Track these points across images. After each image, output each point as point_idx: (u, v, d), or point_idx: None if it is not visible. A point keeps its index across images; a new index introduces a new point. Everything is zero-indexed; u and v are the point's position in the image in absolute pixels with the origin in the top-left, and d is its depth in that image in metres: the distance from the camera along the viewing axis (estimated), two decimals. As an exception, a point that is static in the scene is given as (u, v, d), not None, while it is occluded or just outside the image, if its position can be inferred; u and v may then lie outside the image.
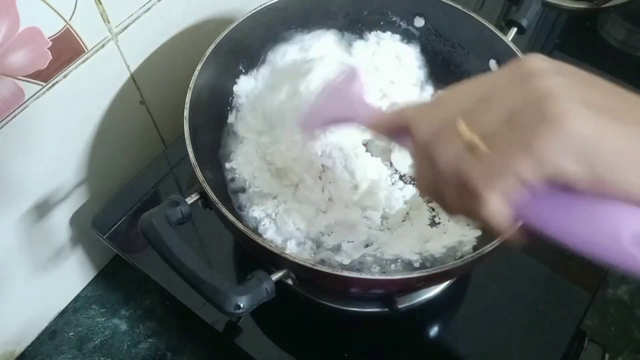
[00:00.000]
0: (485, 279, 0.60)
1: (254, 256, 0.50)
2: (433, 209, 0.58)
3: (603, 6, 0.84)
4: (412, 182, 0.61)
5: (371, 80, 0.64)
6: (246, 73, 0.64)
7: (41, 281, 0.64)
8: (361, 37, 0.68)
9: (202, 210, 0.49)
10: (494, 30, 0.59)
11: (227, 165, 0.59)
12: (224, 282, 0.41)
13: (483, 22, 0.59)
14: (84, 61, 0.54)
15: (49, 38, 0.49)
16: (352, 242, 0.55)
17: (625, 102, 0.28)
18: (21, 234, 0.58)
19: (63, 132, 0.57)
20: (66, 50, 0.51)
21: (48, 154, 0.56)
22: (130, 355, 0.65)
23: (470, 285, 0.60)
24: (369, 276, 0.45)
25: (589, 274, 0.61)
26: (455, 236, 0.54)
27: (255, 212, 0.56)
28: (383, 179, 0.60)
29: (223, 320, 0.57)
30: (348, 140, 0.61)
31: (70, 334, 0.67)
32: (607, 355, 0.59)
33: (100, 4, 0.52)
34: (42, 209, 0.59)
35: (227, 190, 0.59)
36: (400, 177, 0.61)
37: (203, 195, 0.48)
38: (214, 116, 0.61)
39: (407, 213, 0.58)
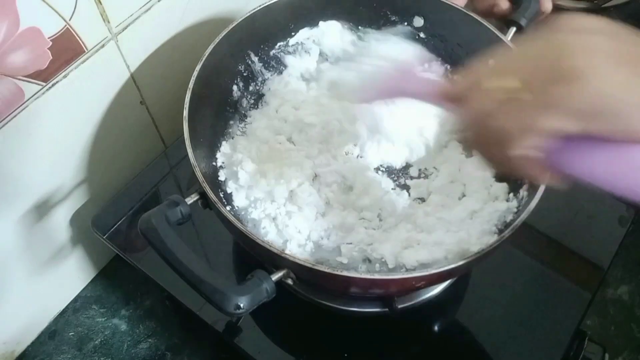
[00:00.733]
0: (484, 279, 0.60)
1: (253, 256, 0.50)
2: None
3: (603, 6, 0.84)
4: (404, 179, 0.61)
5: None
6: (246, 73, 0.64)
7: (41, 281, 0.64)
8: (361, 38, 0.68)
9: (202, 210, 0.49)
10: (493, 30, 0.59)
11: (225, 164, 0.60)
12: (224, 282, 0.40)
13: (482, 21, 0.59)
14: (84, 61, 0.54)
15: (49, 38, 0.49)
16: (351, 243, 0.55)
17: None
18: (21, 234, 0.58)
19: (63, 132, 0.57)
20: (66, 50, 0.51)
21: (48, 153, 0.56)
22: (130, 355, 0.65)
23: (470, 285, 0.60)
24: (369, 276, 0.45)
25: (589, 274, 0.61)
26: (432, 253, 0.53)
27: (254, 214, 0.56)
28: (377, 180, 0.60)
29: (223, 321, 0.57)
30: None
31: (70, 334, 0.67)
32: (607, 355, 0.59)
33: (100, 4, 0.52)
34: (42, 209, 0.59)
35: (226, 190, 0.59)
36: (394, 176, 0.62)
37: (203, 195, 0.48)
38: (214, 116, 0.61)
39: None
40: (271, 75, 0.67)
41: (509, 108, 0.32)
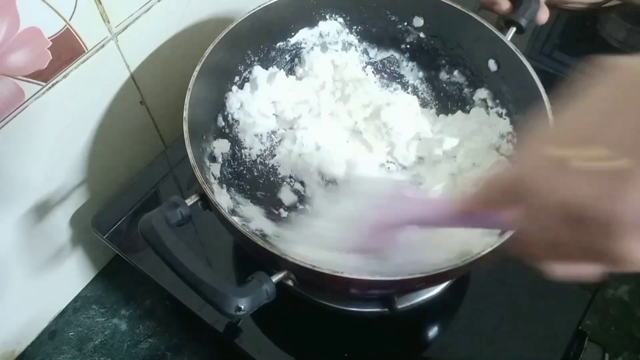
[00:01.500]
0: (484, 279, 0.60)
1: (253, 258, 0.50)
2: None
3: (603, 6, 0.84)
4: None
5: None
6: (245, 72, 0.64)
7: (41, 281, 0.64)
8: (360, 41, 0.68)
9: (202, 211, 0.49)
10: (493, 30, 0.59)
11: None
12: (224, 284, 0.40)
13: (482, 21, 0.59)
14: (84, 61, 0.54)
15: (49, 38, 0.49)
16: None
17: None
18: (21, 234, 0.58)
19: (63, 132, 0.56)
20: (66, 50, 0.51)
21: (48, 154, 0.56)
22: (130, 355, 0.65)
23: (469, 285, 0.60)
24: (369, 277, 0.45)
25: (589, 274, 0.61)
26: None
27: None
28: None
29: (223, 321, 0.57)
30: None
31: (70, 334, 0.67)
32: (607, 355, 0.59)
33: (100, 4, 0.52)
34: (42, 209, 0.59)
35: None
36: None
37: (203, 196, 0.48)
38: (214, 116, 0.61)
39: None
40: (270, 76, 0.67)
41: (611, 186, 0.24)
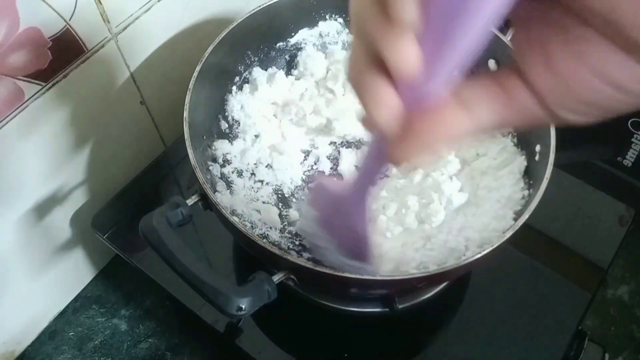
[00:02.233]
0: (484, 279, 0.60)
1: (254, 257, 0.50)
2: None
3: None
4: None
5: None
6: (245, 73, 0.64)
7: (41, 281, 0.64)
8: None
9: (203, 211, 0.49)
10: (493, 30, 0.58)
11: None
12: (225, 284, 0.40)
13: (483, 22, 0.59)
14: (84, 61, 0.54)
15: (49, 38, 0.49)
16: None
17: None
18: (21, 234, 0.58)
19: (63, 132, 0.56)
20: (66, 50, 0.51)
21: (48, 153, 0.56)
22: (130, 355, 0.65)
23: (470, 285, 0.60)
24: (369, 276, 0.45)
25: (589, 274, 0.61)
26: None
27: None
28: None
29: (223, 321, 0.57)
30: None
31: (70, 334, 0.67)
32: (607, 355, 0.59)
33: (100, 4, 0.52)
34: (42, 209, 0.59)
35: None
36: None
37: (204, 196, 0.48)
38: (214, 117, 0.61)
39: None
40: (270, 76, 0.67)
41: None
